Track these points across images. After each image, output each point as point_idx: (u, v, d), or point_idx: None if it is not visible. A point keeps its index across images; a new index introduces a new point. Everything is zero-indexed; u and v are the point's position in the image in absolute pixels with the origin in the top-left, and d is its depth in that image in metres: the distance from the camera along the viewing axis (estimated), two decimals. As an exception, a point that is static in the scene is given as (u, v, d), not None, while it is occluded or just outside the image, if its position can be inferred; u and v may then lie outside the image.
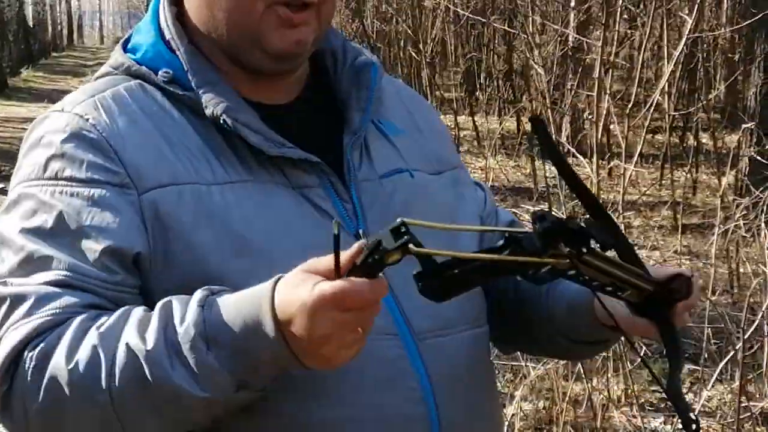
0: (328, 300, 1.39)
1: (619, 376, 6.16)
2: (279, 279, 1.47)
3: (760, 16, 8.84)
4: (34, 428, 1.59)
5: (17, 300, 1.60)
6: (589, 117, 8.69)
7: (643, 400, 6.19)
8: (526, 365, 5.82)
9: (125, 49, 1.83)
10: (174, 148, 1.68)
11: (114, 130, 1.68)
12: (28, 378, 1.56)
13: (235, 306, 1.50)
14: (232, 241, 1.64)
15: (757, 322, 4.99)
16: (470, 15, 11.58)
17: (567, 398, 5.62)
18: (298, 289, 1.42)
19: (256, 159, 1.71)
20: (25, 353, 1.56)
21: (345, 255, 1.40)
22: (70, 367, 1.53)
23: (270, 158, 1.71)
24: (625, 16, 11.63)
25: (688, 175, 11.10)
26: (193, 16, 1.79)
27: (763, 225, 6.83)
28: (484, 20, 12.32)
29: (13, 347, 1.57)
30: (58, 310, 1.58)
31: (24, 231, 1.64)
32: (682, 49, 7.09)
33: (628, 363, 6.06)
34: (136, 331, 1.52)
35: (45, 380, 1.54)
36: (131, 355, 1.51)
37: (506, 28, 11.94)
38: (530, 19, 10.80)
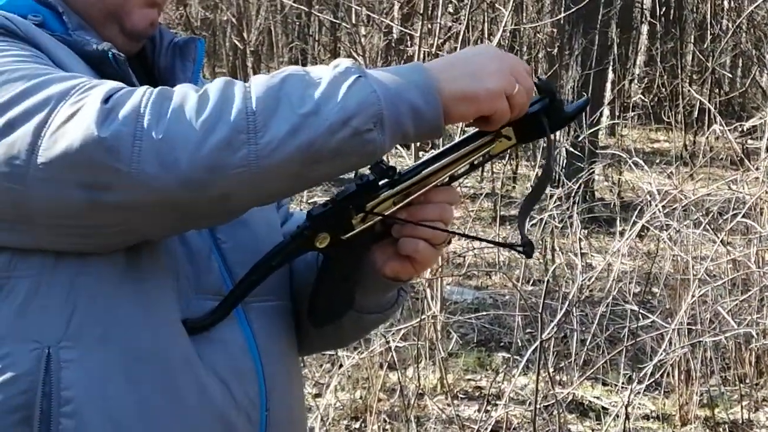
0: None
1: (435, 366, 6.20)
2: None
3: (574, 9, 9.02)
4: (145, 157, 1.46)
5: (66, 90, 1.51)
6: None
7: (457, 390, 6.25)
8: (341, 355, 5.82)
9: None
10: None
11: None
12: (147, 108, 1.47)
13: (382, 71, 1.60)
14: None
15: (563, 310, 5.06)
16: (294, 4, 11.49)
17: (382, 387, 5.63)
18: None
19: None
20: (134, 98, 1.48)
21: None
22: (200, 98, 1.48)
23: None
24: (450, 10, 11.75)
25: (509, 168, 11.29)
26: None
27: (575, 216, 6.98)
28: (308, 10, 12.28)
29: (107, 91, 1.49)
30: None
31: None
32: (499, 41, 7.17)
33: (443, 352, 6.11)
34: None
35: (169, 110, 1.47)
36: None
37: (330, 18, 11.91)
38: (354, 9, 10.80)
